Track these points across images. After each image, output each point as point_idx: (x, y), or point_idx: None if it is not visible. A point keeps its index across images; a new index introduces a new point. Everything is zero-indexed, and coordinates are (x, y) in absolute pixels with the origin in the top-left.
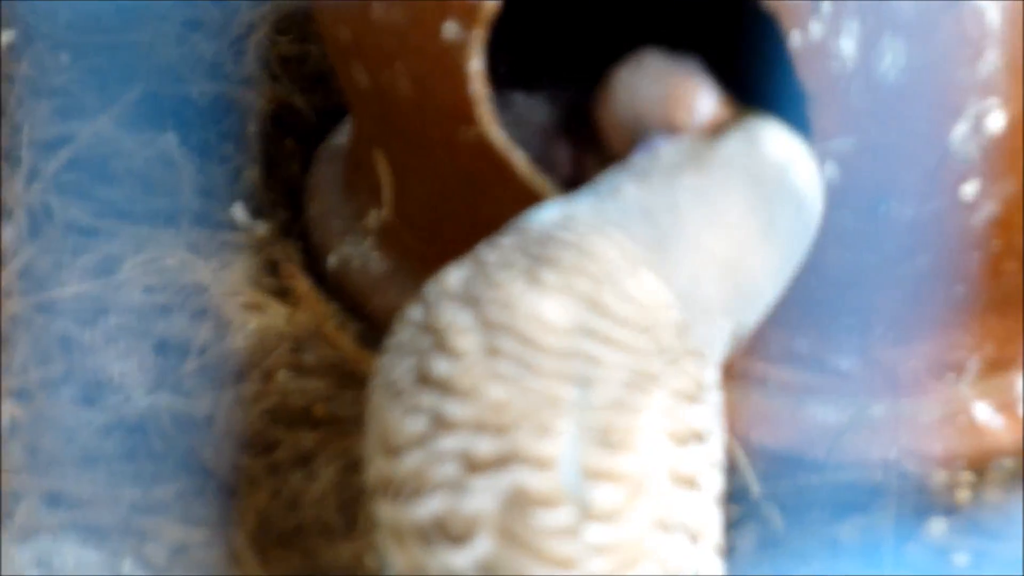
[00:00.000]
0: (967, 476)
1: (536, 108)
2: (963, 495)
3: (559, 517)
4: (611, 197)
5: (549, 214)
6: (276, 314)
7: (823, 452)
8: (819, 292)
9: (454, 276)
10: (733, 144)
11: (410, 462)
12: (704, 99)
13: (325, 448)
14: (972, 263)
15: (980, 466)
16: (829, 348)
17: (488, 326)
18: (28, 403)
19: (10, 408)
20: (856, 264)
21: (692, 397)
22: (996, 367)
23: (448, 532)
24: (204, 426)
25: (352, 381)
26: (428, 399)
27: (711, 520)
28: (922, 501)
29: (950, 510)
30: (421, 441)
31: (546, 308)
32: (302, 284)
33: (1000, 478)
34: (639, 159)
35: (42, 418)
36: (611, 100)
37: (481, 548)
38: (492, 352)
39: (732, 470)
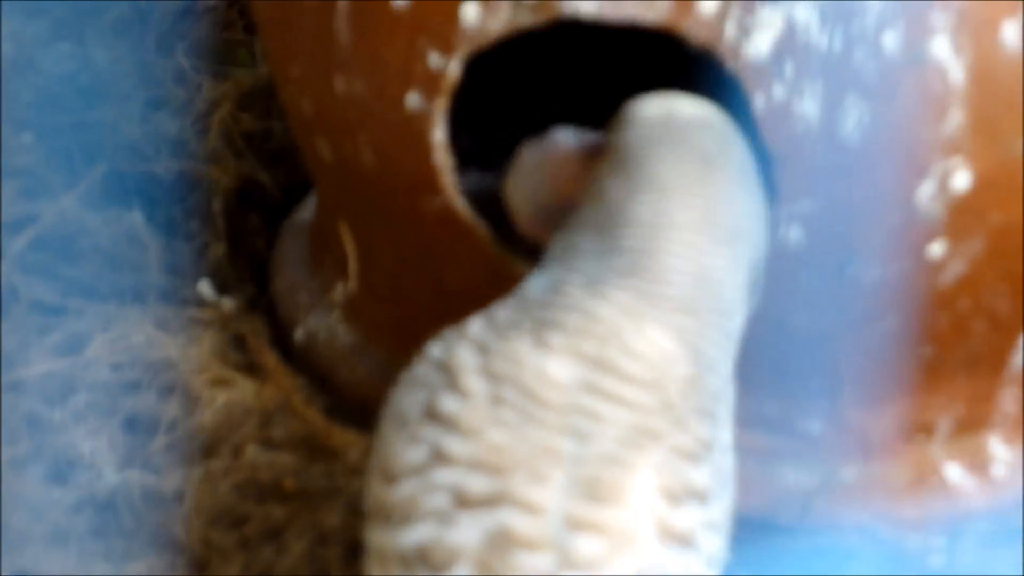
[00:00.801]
0: (940, 540)
1: (494, 179)
2: (936, 560)
3: (538, 561)
4: (576, 255)
5: (538, 283)
6: (244, 389)
7: (795, 516)
8: (787, 354)
9: (473, 324)
10: (646, 127)
11: (404, 490)
12: (580, 160)
13: (295, 521)
14: (940, 323)
15: (953, 528)
16: (798, 411)
17: (494, 376)
18: None
19: None
20: (823, 326)
21: (693, 456)
22: (967, 427)
23: (429, 561)
24: (174, 502)
25: (321, 454)
26: (431, 432)
27: None
28: (896, 565)
29: (923, 571)
30: (418, 471)
31: (551, 367)
32: (269, 359)
33: (973, 539)
34: (577, 213)
35: (11, 496)
36: (509, 198)
37: None
38: (496, 400)
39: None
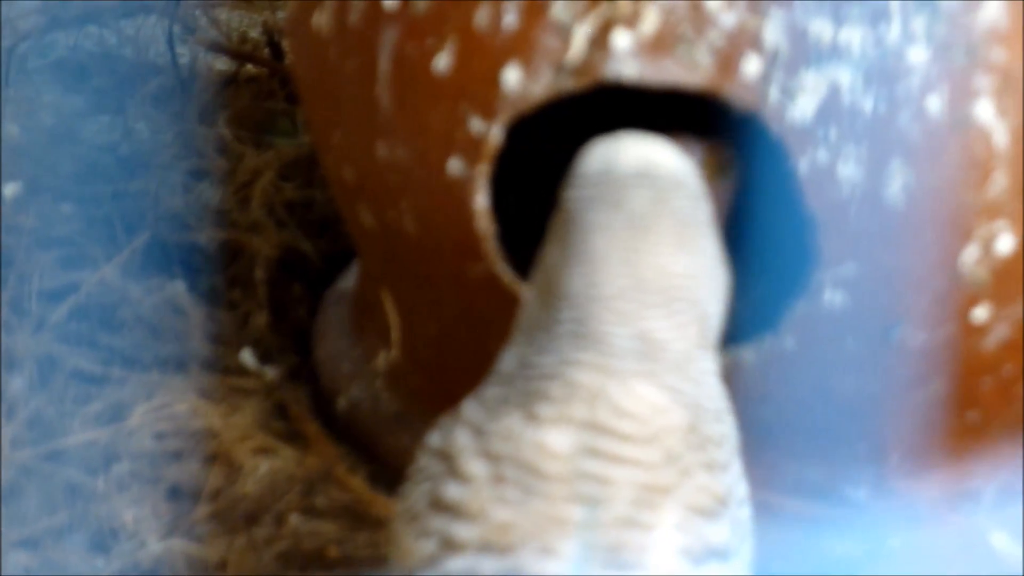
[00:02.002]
0: None
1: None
2: None
3: None
4: (530, 326)
5: (510, 357)
6: (287, 458)
7: None
8: (831, 419)
9: (466, 406)
10: (583, 186)
11: None
12: None
13: None
14: (985, 388)
15: None
16: (843, 478)
17: (492, 456)
18: (38, 551)
19: (19, 557)
20: (868, 390)
21: (708, 512)
22: (1013, 494)
23: None
24: (218, 571)
25: (364, 523)
26: (438, 522)
27: None
28: None
29: None
30: (431, 562)
31: (547, 438)
32: (312, 427)
33: None
34: (544, 258)
35: (53, 566)
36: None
37: None
38: (498, 480)
39: None
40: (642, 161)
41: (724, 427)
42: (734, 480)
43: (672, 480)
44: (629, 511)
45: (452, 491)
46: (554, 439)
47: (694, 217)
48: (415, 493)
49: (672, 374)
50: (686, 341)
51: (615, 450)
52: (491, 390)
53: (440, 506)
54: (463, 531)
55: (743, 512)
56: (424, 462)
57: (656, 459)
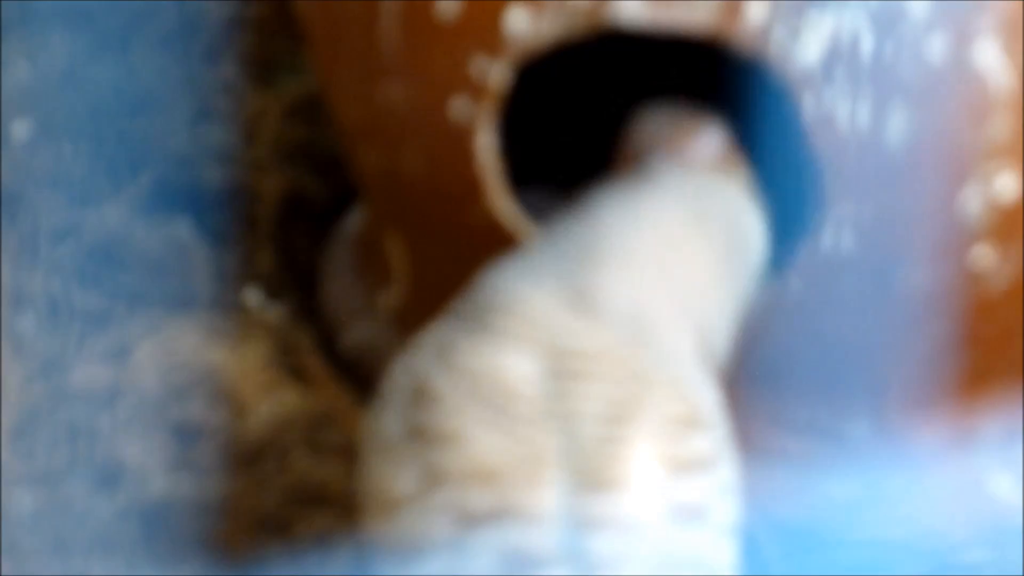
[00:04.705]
0: (986, 551)
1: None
2: (982, 568)
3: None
4: (528, 257)
5: (488, 280)
6: (291, 396)
7: (841, 526)
8: (830, 361)
9: (433, 329)
10: (667, 170)
11: (406, 520)
12: (702, 138)
13: (342, 527)
14: (986, 329)
15: (999, 539)
16: (843, 418)
17: (461, 376)
18: (44, 489)
19: (25, 495)
20: (868, 332)
21: (686, 420)
22: (1013, 436)
23: None
24: (222, 508)
25: None
26: (415, 450)
27: (723, 554)
28: (941, 568)
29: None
30: (415, 496)
31: (507, 359)
32: (316, 365)
33: (1020, 552)
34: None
35: (58, 504)
36: (624, 142)
37: None
38: (472, 397)
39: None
40: (741, 206)
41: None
42: (704, 390)
43: (640, 392)
44: (603, 429)
45: (425, 416)
46: (513, 358)
47: (735, 256)
48: (386, 421)
49: (649, 303)
50: (681, 342)
51: (578, 366)
52: (456, 314)
53: (416, 433)
54: (445, 458)
55: (718, 419)
56: (391, 393)
57: (620, 373)
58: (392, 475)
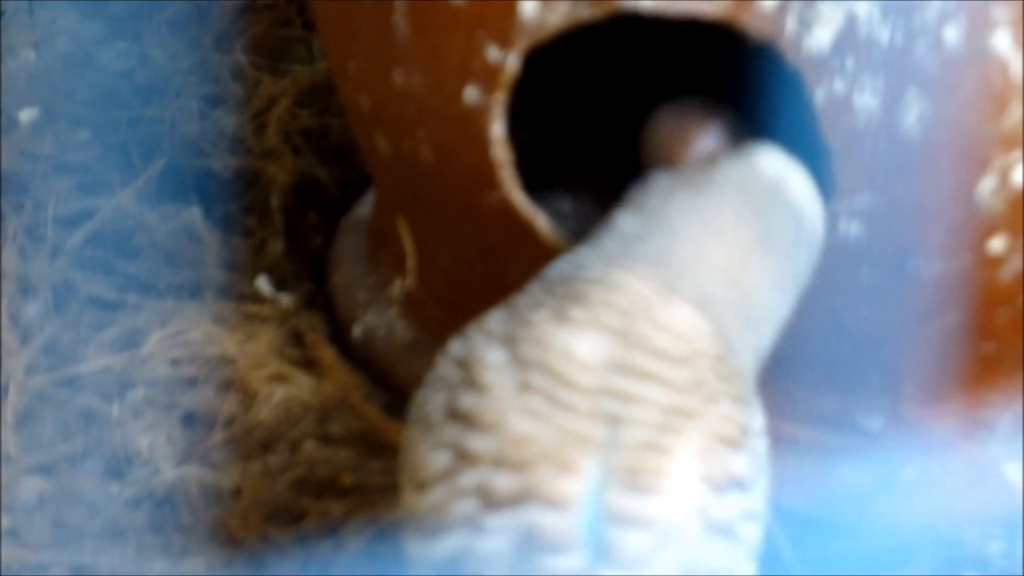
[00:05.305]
0: (999, 538)
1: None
2: (995, 552)
3: (570, 561)
4: (609, 234)
5: (561, 265)
6: (302, 385)
7: (854, 516)
8: (846, 350)
9: (492, 317)
10: (725, 165)
11: (434, 498)
12: (704, 136)
13: (353, 517)
14: (1000, 319)
15: (1011, 526)
16: (858, 408)
17: (521, 363)
18: (53, 477)
19: (35, 483)
20: (883, 321)
21: (732, 441)
22: None
23: (462, 572)
24: (232, 497)
25: (379, 450)
26: (454, 433)
27: (742, 571)
28: (954, 556)
29: (982, 563)
30: (444, 476)
31: (576, 344)
32: (327, 355)
33: None
34: (633, 192)
35: (68, 492)
36: (642, 146)
37: None
38: (524, 388)
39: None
40: (805, 203)
41: (745, 365)
42: (755, 414)
43: (698, 406)
44: (652, 434)
45: (468, 400)
46: (583, 347)
47: (787, 247)
48: (432, 400)
49: (717, 313)
50: (736, 312)
51: (645, 365)
52: (524, 298)
53: (456, 415)
54: (479, 443)
55: (761, 445)
56: (442, 369)
57: (685, 381)
58: (427, 452)
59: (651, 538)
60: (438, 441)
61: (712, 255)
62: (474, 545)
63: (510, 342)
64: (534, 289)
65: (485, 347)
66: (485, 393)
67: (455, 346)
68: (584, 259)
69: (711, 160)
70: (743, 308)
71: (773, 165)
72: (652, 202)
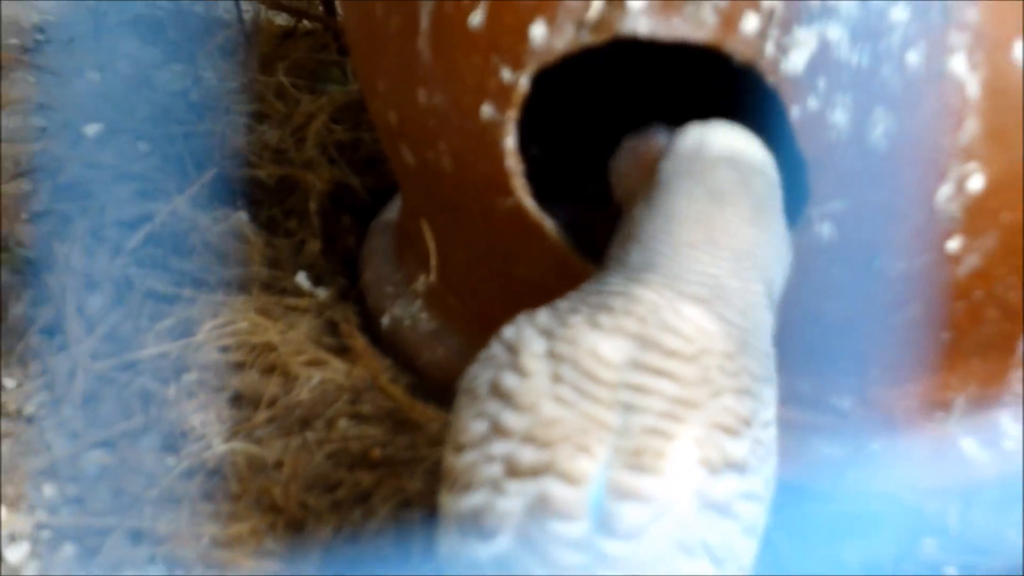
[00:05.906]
0: (956, 504)
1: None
2: (952, 521)
3: (574, 528)
4: (618, 257)
5: (593, 281)
6: (336, 369)
7: (827, 484)
8: (820, 338)
9: (541, 312)
10: (677, 160)
11: (467, 459)
12: (653, 142)
13: (382, 487)
14: (957, 311)
15: (967, 494)
16: (830, 389)
17: (555, 357)
18: (115, 451)
19: (98, 456)
20: (852, 313)
21: (732, 430)
22: (980, 405)
23: (480, 526)
24: (274, 469)
25: (405, 427)
26: (493, 407)
27: (740, 548)
28: (915, 524)
29: (941, 532)
30: (479, 442)
31: (602, 346)
32: (359, 342)
33: (985, 504)
34: (632, 212)
35: (127, 464)
36: (611, 175)
37: (501, 544)
38: (556, 378)
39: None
40: (731, 147)
41: (765, 368)
42: (762, 406)
43: (702, 398)
44: (657, 421)
45: (511, 382)
46: (608, 347)
47: (768, 201)
48: (481, 376)
49: (729, 309)
50: (750, 293)
51: (658, 363)
52: (565, 303)
53: (498, 392)
54: (512, 419)
55: (768, 434)
56: (494, 350)
57: (693, 377)
58: (469, 420)
59: (648, 511)
60: (479, 412)
61: (711, 249)
62: (494, 503)
63: (551, 337)
64: (573, 296)
65: (532, 337)
66: (526, 378)
67: (508, 330)
68: (610, 274)
69: (661, 173)
70: (727, 299)
71: (719, 140)
72: (634, 229)
